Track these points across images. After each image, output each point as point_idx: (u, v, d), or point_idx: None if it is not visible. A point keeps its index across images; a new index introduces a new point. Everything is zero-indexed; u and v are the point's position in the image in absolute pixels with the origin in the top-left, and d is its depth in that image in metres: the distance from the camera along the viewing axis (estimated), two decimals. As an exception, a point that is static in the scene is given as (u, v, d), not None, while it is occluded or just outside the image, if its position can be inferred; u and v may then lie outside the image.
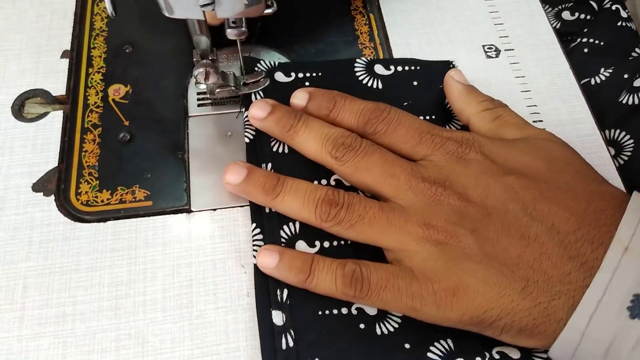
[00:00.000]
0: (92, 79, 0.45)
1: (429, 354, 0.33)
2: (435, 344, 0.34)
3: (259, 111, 0.40)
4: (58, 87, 0.44)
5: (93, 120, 0.43)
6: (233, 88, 0.42)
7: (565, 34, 0.52)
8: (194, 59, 0.39)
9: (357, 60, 0.45)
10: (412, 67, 0.45)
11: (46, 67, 0.45)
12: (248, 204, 0.40)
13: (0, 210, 0.39)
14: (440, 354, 0.33)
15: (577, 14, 0.53)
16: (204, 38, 0.37)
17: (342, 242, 0.37)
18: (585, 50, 0.49)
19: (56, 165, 0.41)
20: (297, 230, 0.38)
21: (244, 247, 0.38)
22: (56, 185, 0.40)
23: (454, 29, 0.50)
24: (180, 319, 0.35)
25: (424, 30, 0.49)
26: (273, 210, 0.38)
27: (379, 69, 0.45)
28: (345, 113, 0.39)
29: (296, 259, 0.35)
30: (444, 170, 0.34)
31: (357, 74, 0.44)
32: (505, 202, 0.32)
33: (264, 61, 0.44)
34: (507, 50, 0.49)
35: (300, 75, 0.44)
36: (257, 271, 0.36)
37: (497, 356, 0.33)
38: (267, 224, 0.38)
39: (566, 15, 0.53)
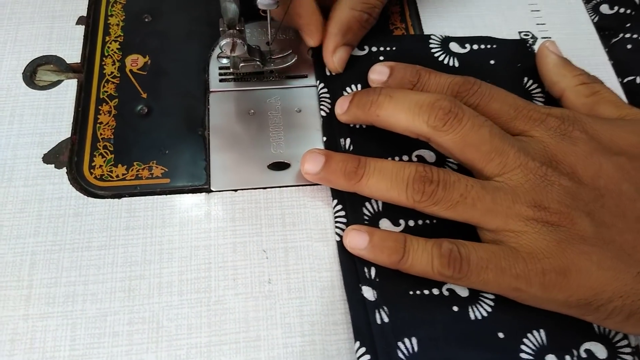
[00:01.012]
0: (108, 47, 0.42)
1: (522, 347, 0.32)
2: (529, 335, 0.32)
3: (342, 105, 0.38)
4: (72, 54, 0.42)
5: (109, 90, 0.40)
6: (258, 63, 0.40)
7: (603, 28, 0.49)
8: (220, 29, 0.37)
9: (432, 36, 0.43)
10: (488, 46, 0.43)
11: (60, 33, 0.43)
12: (271, 186, 0.37)
13: (9, 181, 0.37)
14: (534, 347, 0.32)
15: (616, 8, 0.50)
16: (232, 5, 0.34)
17: (428, 221, 0.36)
18: (629, 46, 0.47)
19: (69, 136, 0.39)
20: (380, 208, 0.36)
21: (266, 231, 0.36)
22: (68, 157, 0.38)
23: (489, 12, 0.47)
24: (198, 304, 0.33)
25: (457, 13, 0.47)
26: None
27: (454, 46, 0.43)
28: (431, 87, 0.36)
29: (388, 239, 0.33)
30: (549, 149, 0.32)
31: (433, 50, 0.43)
32: (618, 183, 0.31)
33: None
34: (544, 38, 0.47)
35: (374, 49, 0.42)
36: (342, 248, 0.35)
37: (584, 355, 0.32)
38: (349, 199, 0.36)
39: (605, 8, 0.51)
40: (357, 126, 0.39)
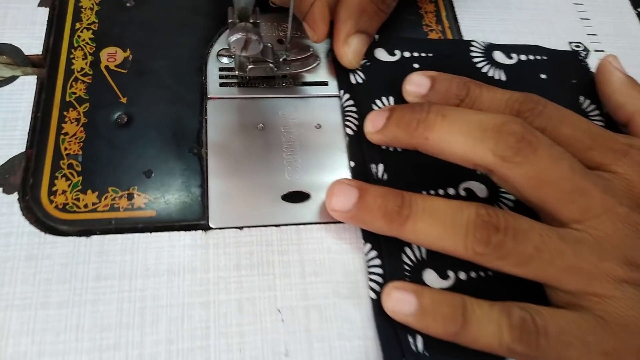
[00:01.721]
0: (79, 37, 0.33)
1: None
2: None
3: (376, 122, 0.30)
4: (32, 43, 0.33)
5: (78, 92, 0.32)
6: (271, 66, 0.32)
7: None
8: (229, 20, 0.29)
9: (473, 43, 0.37)
10: (538, 57, 0.37)
11: (17, 17, 0.34)
12: (286, 223, 0.29)
13: (-62, 209, 0.28)
14: None
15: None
16: (249, -9, 0.26)
17: (483, 273, 0.29)
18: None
19: (23, 150, 0.29)
20: (424, 255, 0.29)
21: (281, 284, 0.28)
22: (22, 178, 0.29)
23: (534, 18, 0.41)
24: (193, 385, 0.25)
25: (498, 17, 0.40)
26: None
27: (498, 56, 0.37)
28: (484, 105, 0.29)
29: (442, 304, 0.26)
30: (636, 189, 0.27)
31: (474, 59, 0.36)
32: None
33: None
34: (597, 51, 0.40)
35: (407, 54, 0.35)
36: (379, 308, 0.27)
37: None
38: (385, 243, 0.29)
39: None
40: (392, 149, 0.31)
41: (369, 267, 0.28)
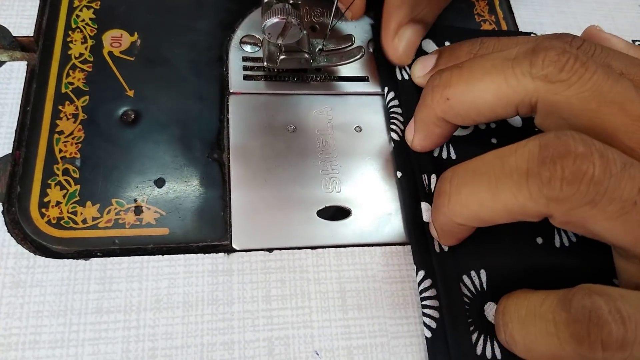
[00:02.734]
0: (77, 16, 0.28)
1: None
2: None
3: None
4: (22, 23, 0.28)
5: (76, 82, 0.26)
6: (307, 56, 0.27)
7: None
8: (265, 0, 0.24)
9: (533, 36, 0.32)
10: None
11: (4, -10, 0.29)
12: (323, 245, 0.25)
13: None
14: None
15: None
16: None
17: None
18: None
19: (9, 151, 0.24)
20: (485, 284, 0.24)
21: (319, 319, 0.23)
22: (7, 186, 0.24)
23: (595, 13, 0.36)
24: None
25: (558, 9, 0.35)
26: (446, 250, 0.24)
27: None
28: (504, 46, 0.25)
29: None
30: None
31: None
32: None
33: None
34: (664, 49, 0.35)
35: (447, 43, 0.31)
36: (435, 349, 0.23)
37: None
38: (440, 270, 0.24)
39: None
40: (445, 156, 0.27)
41: (423, 299, 0.24)
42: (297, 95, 0.28)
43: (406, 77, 0.29)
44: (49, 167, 0.24)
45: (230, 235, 0.24)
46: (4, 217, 0.23)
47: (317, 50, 0.28)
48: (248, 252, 0.24)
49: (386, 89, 0.29)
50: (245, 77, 0.28)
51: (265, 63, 0.27)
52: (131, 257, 0.23)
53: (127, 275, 0.23)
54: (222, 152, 0.26)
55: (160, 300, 0.23)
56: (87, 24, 0.28)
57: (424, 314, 0.24)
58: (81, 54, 0.27)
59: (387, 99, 0.28)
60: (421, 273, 0.24)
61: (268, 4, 0.24)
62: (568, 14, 0.35)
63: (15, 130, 0.25)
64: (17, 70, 0.27)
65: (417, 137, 0.26)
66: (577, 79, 0.20)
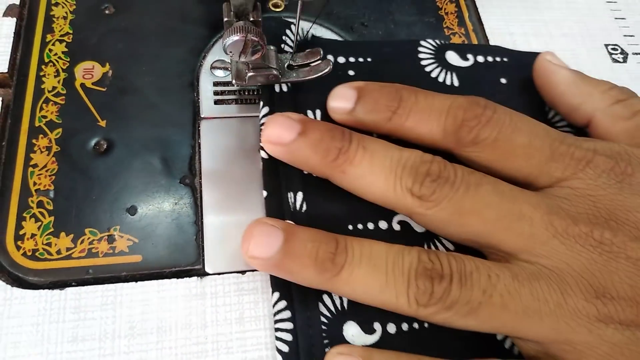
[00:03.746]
0: (50, 50, 0.29)
1: None
2: None
3: (281, 130, 0.25)
4: (-5, 59, 0.28)
5: (49, 115, 0.27)
6: (274, 72, 0.27)
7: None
8: (225, 19, 0.24)
9: (422, 43, 0.31)
10: (498, 59, 0.31)
11: (-22, 28, 0.29)
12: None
13: None
14: None
15: None
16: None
17: (417, 325, 0.24)
18: None
19: (-16, 186, 0.25)
20: (345, 304, 0.24)
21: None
22: (-18, 221, 0.24)
23: (566, 19, 0.36)
24: None
25: (528, 17, 0.36)
26: None
27: (452, 57, 0.31)
28: (421, 115, 0.25)
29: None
30: (602, 203, 0.23)
31: (423, 62, 0.30)
32: None
33: (291, 31, 0.30)
34: (636, 54, 0.36)
35: (342, 59, 0.30)
36: None
37: None
38: (297, 293, 0.24)
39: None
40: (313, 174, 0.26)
41: (276, 322, 0.23)
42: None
43: (285, 89, 0.28)
44: (24, 200, 0.25)
45: (203, 259, 0.25)
46: (-21, 251, 0.24)
47: (285, 65, 0.28)
48: (221, 275, 0.25)
49: (261, 103, 0.28)
50: (216, 102, 0.29)
51: (233, 81, 0.28)
52: (105, 285, 0.24)
53: (102, 303, 0.23)
54: (194, 177, 0.27)
55: (134, 327, 0.23)
56: (59, 57, 0.29)
57: (277, 338, 0.23)
58: (54, 87, 0.28)
59: (261, 115, 0.27)
60: (276, 295, 0.24)
61: (229, 22, 0.24)
62: (539, 22, 0.36)
63: (-10, 165, 0.26)
64: (-8, 106, 0.27)
65: (280, 151, 0.25)
66: (441, 199, 0.23)
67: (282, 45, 0.29)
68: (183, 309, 0.24)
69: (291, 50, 0.28)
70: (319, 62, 0.28)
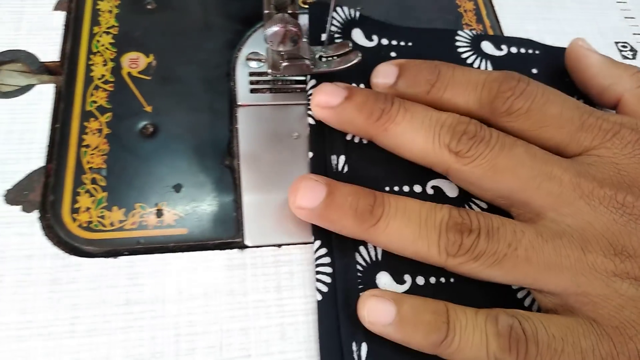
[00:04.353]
0: (98, 41, 0.31)
1: None
2: None
3: (329, 97, 0.27)
4: (49, 50, 0.31)
5: (99, 101, 0.29)
6: (307, 63, 0.29)
7: None
8: (265, 11, 0.26)
9: (460, 32, 0.34)
10: (530, 51, 0.34)
11: (32, 21, 0.32)
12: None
13: (-47, 230, 0.25)
14: None
15: None
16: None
17: (444, 279, 0.26)
18: None
19: (42, 164, 0.27)
20: (379, 256, 0.26)
21: (325, 307, 0.26)
22: (41, 195, 0.26)
23: (578, 17, 0.39)
24: (235, 422, 0.23)
25: (542, 15, 0.38)
26: None
27: (487, 47, 0.34)
28: (458, 87, 0.28)
29: (425, 311, 0.23)
30: (626, 171, 0.25)
31: (459, 49, 0.33)
32: None
33: (341, 8, 0.32)
34: (644, 50, 0.38)
35: (385, 41, 0.33)
36: (323, 313, 0.25)
37: None
38: (337, 242, 0.26)
39: None
40: (357, 140, 0.29)
41: (317, 265, 0.26)
42: (301, 105, 0.31)
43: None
44: (78, 177, 0.27)
45: (243, 233, 0.27)
46: (40, 222, 0.26)
47: (317, 57, 0.30)
48: (259, 248, 0.27)
49: (308, 76, 0.30)
50: (252, 90, 0.31)
51: (269, 70, 0.30)
52: (154, 255, 0.26)
53: (152, 271, 0.26)
54: (233, 159, 0.29)
55: (182, 292, 0.25)
56: (106, 48, 0.31)
57: (317, 280, 0.26)
58: (103, 75, 0.30)
59: (309, 86, 0.30)
60: (317, 242, 0.26)
61: (269, 14, 0.26)
62: (552, 20, 0.38)
63: (47, 146, 0.28)
64: (45, 92, 0.29)
65: (328, 114, 0.28)
66: (477, 156, 0.25)
67: (322, 35, 0.31)
68: (225, 277, 0.26)
69: (332, 34, 0.30)
70: (350, 54, 0.30)
